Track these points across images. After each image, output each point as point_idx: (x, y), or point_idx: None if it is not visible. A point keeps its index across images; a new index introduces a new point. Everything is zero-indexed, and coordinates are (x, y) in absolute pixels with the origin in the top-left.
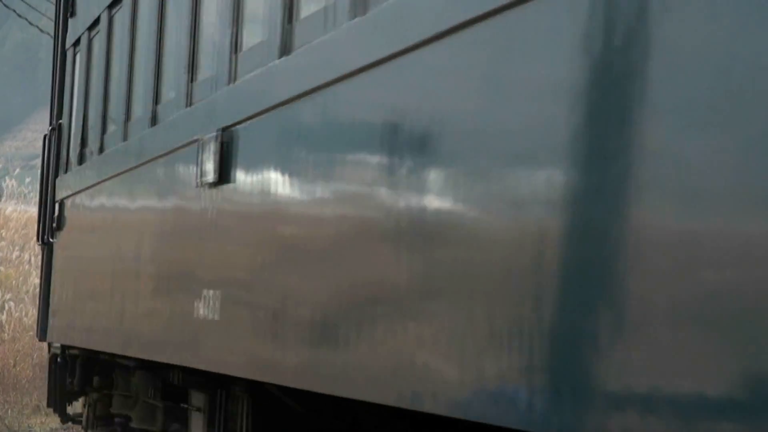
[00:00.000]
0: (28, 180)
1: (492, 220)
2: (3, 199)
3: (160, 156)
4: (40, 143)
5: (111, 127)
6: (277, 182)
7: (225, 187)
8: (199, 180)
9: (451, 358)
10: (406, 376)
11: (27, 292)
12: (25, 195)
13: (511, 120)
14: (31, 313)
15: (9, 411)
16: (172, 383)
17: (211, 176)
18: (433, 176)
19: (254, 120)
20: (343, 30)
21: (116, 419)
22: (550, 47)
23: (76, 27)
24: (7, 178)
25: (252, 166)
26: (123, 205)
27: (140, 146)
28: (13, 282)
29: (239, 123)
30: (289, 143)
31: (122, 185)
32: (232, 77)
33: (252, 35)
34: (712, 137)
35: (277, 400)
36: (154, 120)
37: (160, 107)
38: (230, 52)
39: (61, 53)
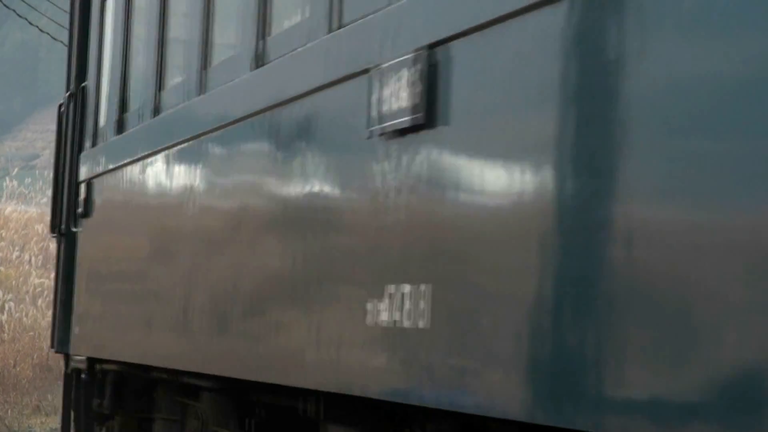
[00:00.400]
0: (28, 180)
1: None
2: (3, 199)
3: (283, 103)
4: (40, 143)
5: (173, 81)
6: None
7: (432, 133)
8: (374, 127)
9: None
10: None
11: (27, 292)
12: (24, 195)
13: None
14: (31, 314)
15: (9, 411)
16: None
17: (407, 116)
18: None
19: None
20: None
21: None
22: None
23: None
24: (7, 178)
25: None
26: (207, 177)
27: (238, 94)
28: (13, 282)
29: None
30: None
31: (202, 151)
32: None
33: None
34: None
35: None
36: (260, 59)
37: (271, 41)
38: None
39: (81, 1)
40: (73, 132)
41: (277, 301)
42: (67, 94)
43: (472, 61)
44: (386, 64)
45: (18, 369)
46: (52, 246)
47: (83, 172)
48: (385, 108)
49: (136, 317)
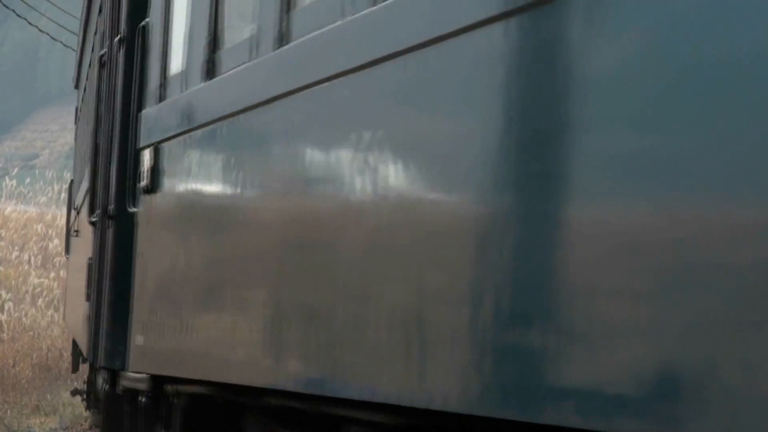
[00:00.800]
0: (27, 180)
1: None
2: (2, 199)
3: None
4: (40, 143)
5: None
6: None
7: None
8: None
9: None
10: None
11: (27, 292)
12: (24, 195)
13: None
14: (31, 314)
15: (8, 411)
16: None
17: None
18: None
19: None
20: None
21: None
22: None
23: None
24: (6, 178)
25: None
26: (352, 138)
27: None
28: (13, 282)
29: None
30: None
31: (349, 96)
32: None
33: None
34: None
35: None
36: None
37: None
38: None
39: None
40: (126, 86)
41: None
42: (119, 38)
43: None
44: None
45: (17, 369)
46: (51, 246)
47: (147, 136)
48: None
49: (223, 324)
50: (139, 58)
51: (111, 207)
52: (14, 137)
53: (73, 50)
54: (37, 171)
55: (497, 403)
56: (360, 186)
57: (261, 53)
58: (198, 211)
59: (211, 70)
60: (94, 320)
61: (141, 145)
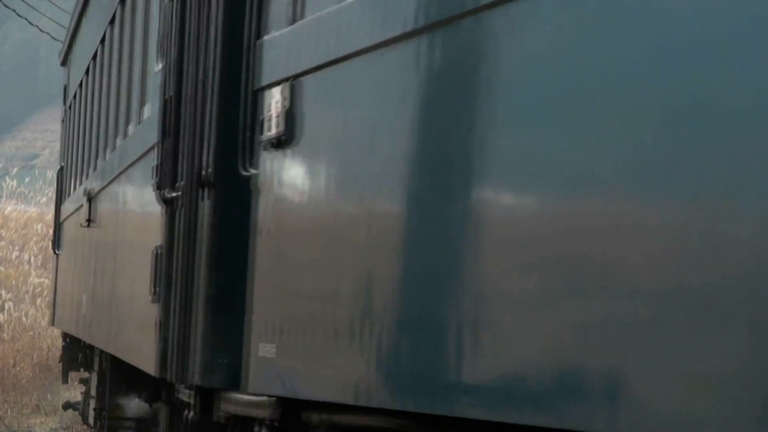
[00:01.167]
0: (27, 180)
1: None
2: (2, 199)
3: None
4: (40, 143)
5: None
6: None
7: None
8: None
9: None
10: None
11: (27, 292)
12: (24, 195)
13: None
14: (31, 313)
15: (9, 411)
16: None
17: None
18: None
19: None
20: None
21: None
22: None
23: None
24: (7, 177)
25: None
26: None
27: None
28: (13, 282)
29: None
30: None
31: None
32: None
33: None
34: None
35: None
36: None
37: None
38: None
39: None
40: (233, 7)
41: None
42: None
43: None
44: None
45: (17, 369)
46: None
47: (273, 70)
48: None
49: (415, 328)
50: None
51: (208, 171)
52: (14, 137)
53: None
54: (37, 171)
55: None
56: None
57: None
58: (364, 170)
59: None
60: (176, 326)
61: (263, 84)
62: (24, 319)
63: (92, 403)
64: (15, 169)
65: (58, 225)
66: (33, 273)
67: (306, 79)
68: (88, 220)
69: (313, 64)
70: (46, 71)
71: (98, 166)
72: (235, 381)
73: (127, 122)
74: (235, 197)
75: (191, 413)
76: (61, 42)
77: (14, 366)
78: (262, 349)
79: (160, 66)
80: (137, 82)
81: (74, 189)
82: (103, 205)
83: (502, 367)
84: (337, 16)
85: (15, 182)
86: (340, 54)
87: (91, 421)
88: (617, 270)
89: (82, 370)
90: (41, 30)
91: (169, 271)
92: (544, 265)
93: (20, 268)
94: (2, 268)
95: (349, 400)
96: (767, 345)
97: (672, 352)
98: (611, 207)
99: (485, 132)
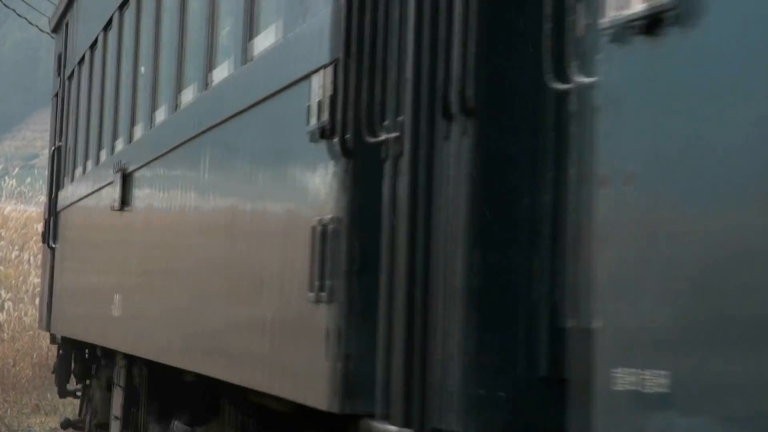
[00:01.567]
0: (27, 180)
1: None
2: (2, 198)
3: None
4: (40, 143)
5: None
6: None
7: None
8: None
9: None
10: None
11: (26, 291)
12: (24, 194)
13: None
14: (31, 313)
15: (8, 410)
16: None
17: None
18: None
19: None
20: None
21: None
22: None
23: None
24: (6, 177)
25: None
26: None
27: None
28: (13, 282)
29: None
30: None
31: None
32: None
33: None
34: None
35: None
36: None
37: None
38: None
39: None
40: None
41: None
42: None
43: None
44: None
45: (17, 368)
46: None
47: None
48: None
49: None
50: None
51: (464, 93)
52: (14, 137)
53: None
54: (36, 170)
55: None
56: None
57: None
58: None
59: None
60: (390, 336)
61: None
62: (24, 318)
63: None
64: (16, 169)
65: (53, 214)
66: (33, 272)
67: None
68: (122, 203)
69: None
70: (46, 71)
71: (138, 135)
72: (518, 425)
73: (210, 66)
74: (522, 126)
75: None
76: None
77: (14, 365)
78: (626, 378)
79: None
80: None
81: (83, 170)
82: (154, 182)
83: None
84: None
85: (15, 182)
86: None
87: None
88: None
89: (75, 382)
90: (41, 30)
91: (360, 255)
92: None
93: (20, 267)
94: (2, 268)
95: None
96: None
97: None
98: None
99: None
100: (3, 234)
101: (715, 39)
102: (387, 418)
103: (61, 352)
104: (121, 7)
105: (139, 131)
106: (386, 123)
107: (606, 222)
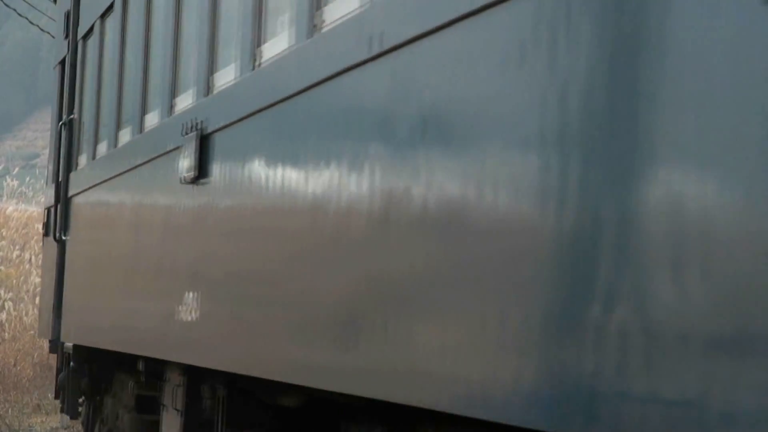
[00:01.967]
0: (28, 179)
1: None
2: (3, 198)
3: None
4: (41, 142)
5: None
6: None
7: None
8: None
9: None
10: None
11: (27, 291)
12: (25, 194)
13: None
14: (32, 313)
15: (9, 410)
16: None
17: None
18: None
19: None
20: None
21: None
22: None
23: None
24: (7, 177)
25: None
26: None
27: None
28: (14, 281)
29: None
30: None
31: None
32: None
33: None
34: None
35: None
36: None
37: None
38: None
39: None
40: None
41: None
42: None
43: None
44: None
45: (18, 368)
46: None
47: None
48: None
49: None
50: None
51: None
52: (15, 136)
53: None
54: (37, 170)
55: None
56: None
57: None
58: None
59: None
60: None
61: None
62: (25, 318)
63: None
64: (17, 169)
65: (61, 201)
66: (34, 272)
67: None
68: (198, 174)
69: None
70: (46, 71)
71: (225, 81)
72: None
73: None
74: None
75: None
76: None
77: (15, 365)
78: None
79: None
80: None
81: (112, 143)
82: (250, 144)
83: None
84: None
85: (16, 182)
86: None
87: None
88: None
89: (83, 400)
90: (42, 29)
91: None
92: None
93: (21, 267)
94: (3, 268)
95: None
96: None
97: None
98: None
99: None
100: (4, 234)
101: None
102: None
103: (72, 364)
104: None
105: (224, 77)
106: None
107: None
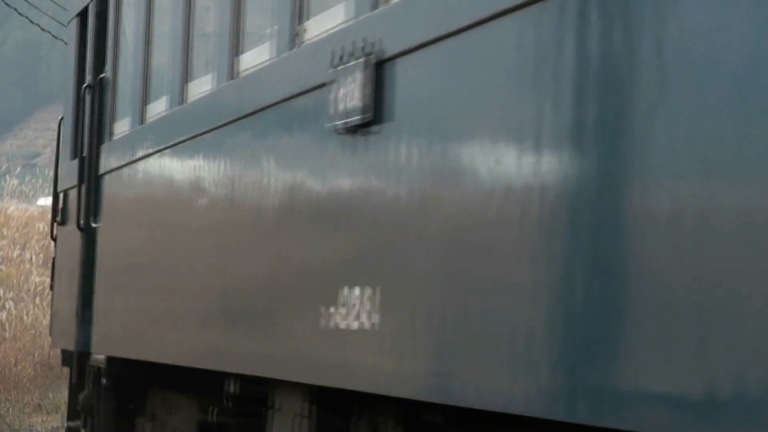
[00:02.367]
0: (28, 179)
1: None
2: (4, 197)
3: None
4: (41, 142)
5: None
6: None
7: None
8: None
9: None
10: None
11: (28, 290)
12: (26, 193)
13: None
14: (32, 312)
15: (10, 410)
16: None
17: None
18: None
19: None
20: None
21: None
22: None
23: None
24: (8, 176)
25: None
26: None
27: None
28: (14, 281)
29: None
30: None
31: None
32: None
33: None
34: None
35: None
36: None
37: None
38: None
39: None
40: None
41: None
42: None
43: None
44: None
45: (19, 367)
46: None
47: None
48: None
49: None
50: None
51: None
52: (16, 136)
53: None
54: (38, 169)
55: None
56: None
57: None
58: None
59: None
60: None
61: None
62: (25, 317)
63: None
64: (18, 168)
65: (91, 178)
66: (34, 272)
67: None
68: (374, 116)
69: None
70: (47, 70)
71: None
72: None
73: None
74: None
75: None
76: (63, 41)
77: (15, 365)
78: None
79: None
80: None
81: (176, 99)
82: (454, 70)
83: None
84: None
85: (16, 181)
86: None
87: None
88: None
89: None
90: (42, 29)
91: None
92: None
93: (22, 266)
94: (3, 267)
95: None
96: None
97: None
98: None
99: None
100: (4, 233)
101: None
102: None
103: (104, 381)
104: None
105: None
106: None
107: None
